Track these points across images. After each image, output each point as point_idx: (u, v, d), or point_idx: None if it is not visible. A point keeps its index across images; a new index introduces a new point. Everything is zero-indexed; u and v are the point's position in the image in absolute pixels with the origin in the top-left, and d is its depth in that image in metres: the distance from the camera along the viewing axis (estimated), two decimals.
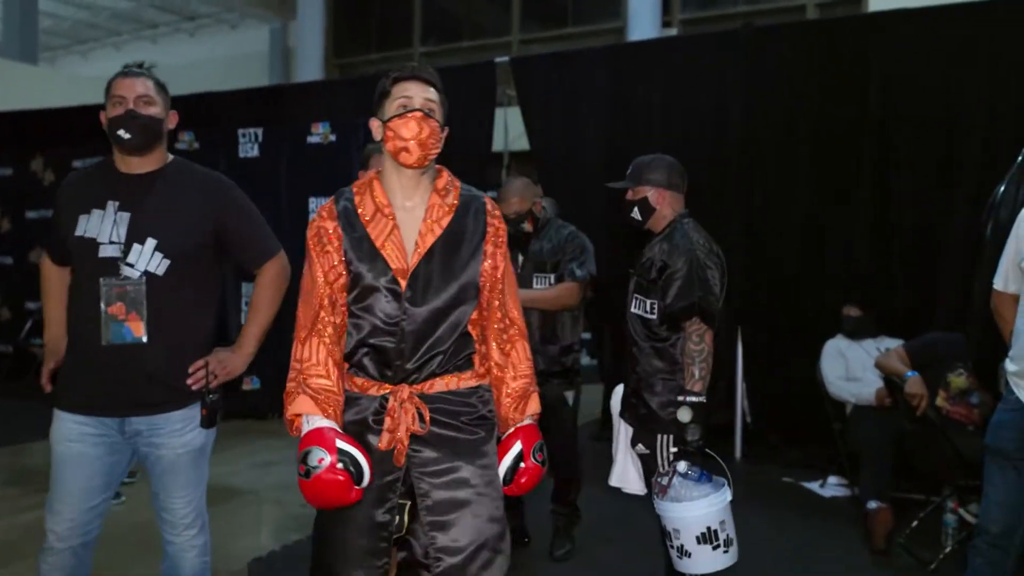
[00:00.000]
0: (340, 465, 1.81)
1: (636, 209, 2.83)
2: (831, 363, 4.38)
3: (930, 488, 3.90)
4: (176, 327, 2.27)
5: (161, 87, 2.38)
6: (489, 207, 2.05)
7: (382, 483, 1.92)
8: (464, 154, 5.83)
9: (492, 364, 2.04)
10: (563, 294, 3.43)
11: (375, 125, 1.98)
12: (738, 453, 5.17)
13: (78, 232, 2.26)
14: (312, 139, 6.35)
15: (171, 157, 2.40)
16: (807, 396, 4.65)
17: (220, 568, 3.41)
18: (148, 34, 16.57)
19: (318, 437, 1.84)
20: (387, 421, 1.92)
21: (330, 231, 1.97)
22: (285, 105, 6.80)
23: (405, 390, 1.93)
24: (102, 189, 2.30)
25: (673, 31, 10.51)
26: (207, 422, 2.34)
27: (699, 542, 2.51)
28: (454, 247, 1.96)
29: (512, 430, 2.05)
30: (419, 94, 1.94)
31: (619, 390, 3.01)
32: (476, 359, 2.03)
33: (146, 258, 2.24)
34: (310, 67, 12.44)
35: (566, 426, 3.58)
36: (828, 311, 4.65)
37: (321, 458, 1.80)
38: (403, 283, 1.92)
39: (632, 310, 2.83)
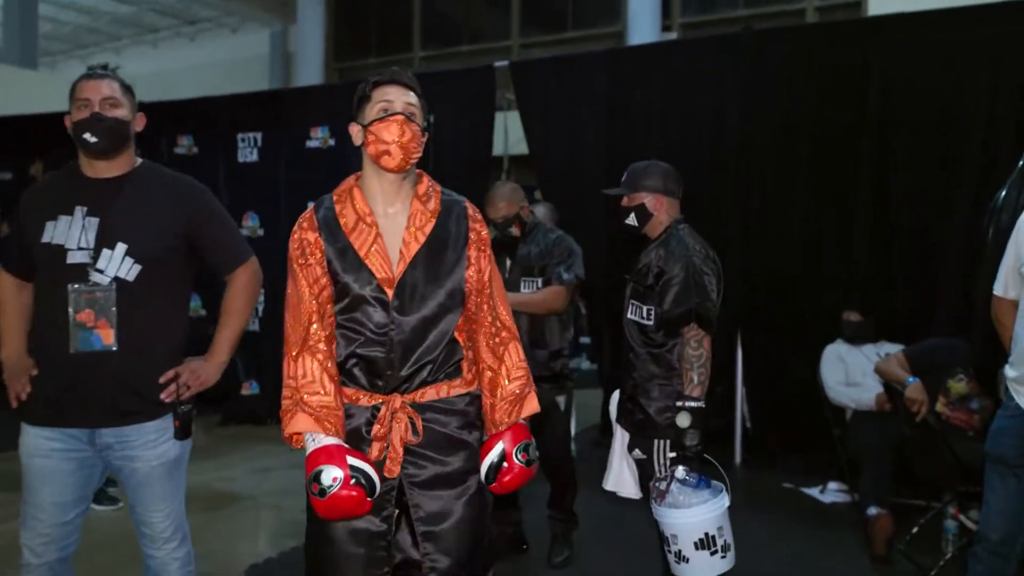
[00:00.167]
0: (353, 481, 1.81)
1: (632, 215, 2.83)
2: (831, 368, 4.37)
3: (931, 494, 3.88)
4: (147, 334, 2.22)
5: (127, 89, 2.31)
6: (470, 212, 2.04)
7: (378, 493, 1.90)
8: (464, 158, 5.86)
9: (485, 367, 2.03)
10: (550, 298, 3.41)
11: (355, 130, 1.96)
12: (738, 459, 5.15)
13: (45, 239, 2.20)
14: (311, 143, 6.35)
15: (139, 160, 2.34)
16: (807, 401, 4.63)
17: (217, 575, 3.40)
18: (149, 38, 16.58)
19: (327, 456, 1.83)
20: (375, 429, 1.91)
21: (312, 242, 1.94)
22: (284, 109, 6.79)
23: (397, 399, 1.92)
24: (69, 194, 2.24)
25: (673, 35, 10.49)
26: (181, 433, 2.28)
27: (697, 548, 2.51)
28: (438, 254, 1.95)
29: (498, 431, 2.00)
30: (399, 98, 1.92)
31: (617, 395, 3.01)
32: (464, 365, 2.02)
33: (116, 263, 2.19)
34: (310, 71, 12.44)
35: (558, 431, 3.57)
36: (827, 315, 4.64)
37: (335, 477, 1.79)
38: (390, 293, 1.90)
39: (628, 316, 2.84)
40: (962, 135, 4.54)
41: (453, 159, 5.82)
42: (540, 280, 3.46)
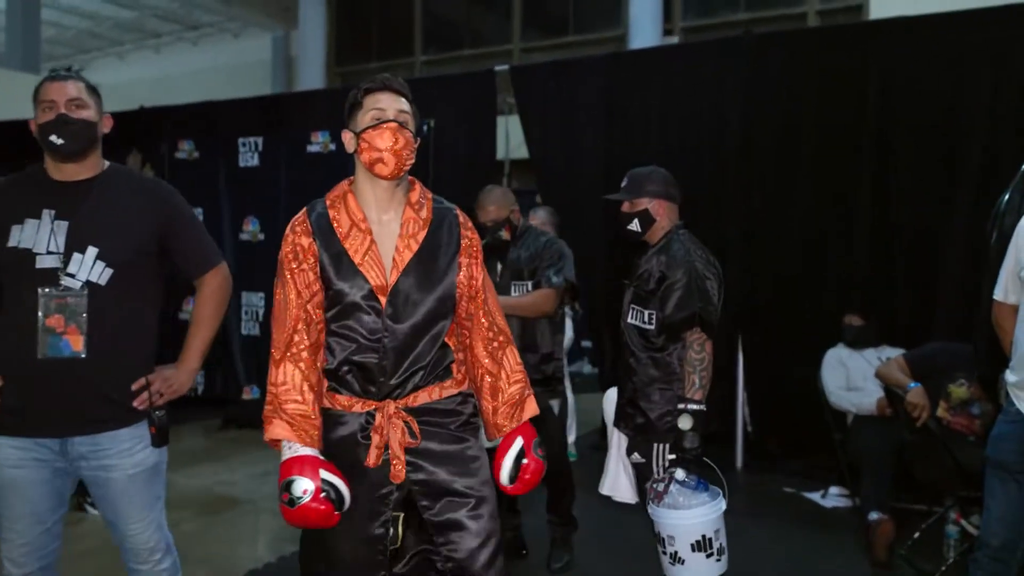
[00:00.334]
0: (323, 495, 1.82)
1: (636, 221, 2.84)
2: (832, 372, 4.36)
3: (932, 499, 3.87)
4: (118, 340, 2.17)
5: (92, 89, 2.24)
6: (461, 219, 2.06)
7: (374, 497, 1.93)
8: (466, 162, 5.86)
9: (484, 372, 2.05)
10: (539, 300, 3.40)
11: (348, 137, 1.97)
12: (739, 463, 5.14)
13: (11, 243, 2.13)
14: (312, 148, 6.36)
15: (107, 163, 2.28)
16: (808, 405, 4.62)
17: None
18: (151, 43, 16.62)
19: (300, 466, 1.84)
20: (374, 438, 1.92)
21: (305, 247, 1.94)
22: (285, 114, 6.80)
23: (391, 405, 1.93)
24: (36, 197, 2.18)
25: (674, 39, 10.49)
26: (158, 440, 2.23)
27: (693, 550, 2.52)
28: (430, 261, 1.97)
29: (511, 429, 2.05)
30: (392, 105, 1.93)
31: (611, 393, 3.02)
32: (454, 367, 2.03)
33: (87, 268, 2.13)
34: (312, 76, 12.46)
35: (553, 435, 3.55)
36: (828, 318, 4.64)
37: (306, 489, 1.81)
38: (383, 300, 1.91)
39: (628, 320, 2.85)
40: (963, 137, 4.53)
41: (453, 163, 5.83)
42: (530, 283, 3.46)
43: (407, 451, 1.93)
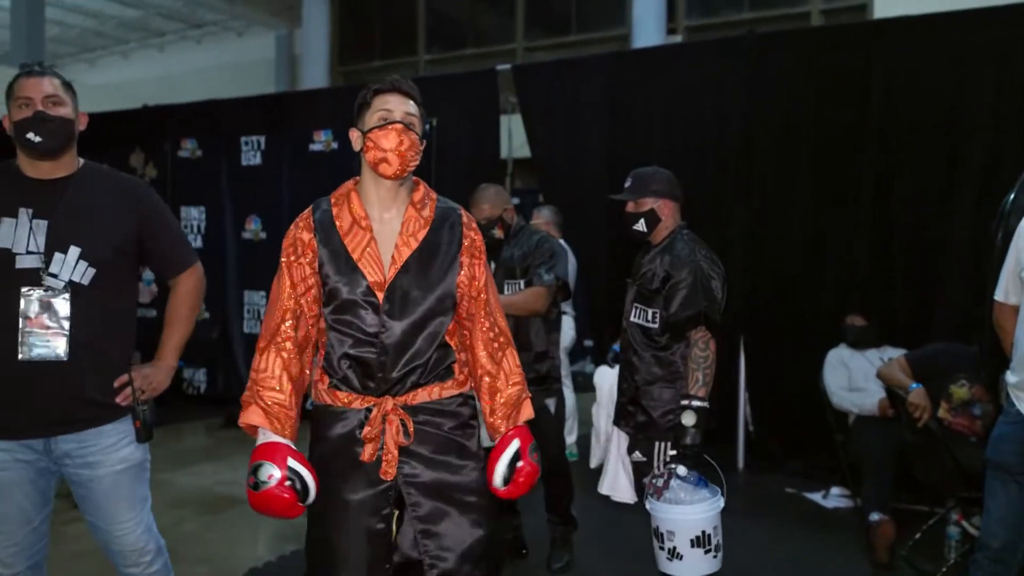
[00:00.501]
0: (288, 483, 1.84)
1: (642, 220, 2.86)
2: (833, 373, 4.35)
3: (933, 500, 3.86)
4: (100, 340, 2.16)
5: (68, 86, 2.20)
6: (465, 219, 2.08)
7: (375, 493, 1.95)
8: (469, 161, 5.86)
9: (483, 373, 2.06)
10: (530, 299, 3.39)
11: (355, 135, 2.00)
12: (740, 463, 5.13)
13: None
14: (314, 147, 6.36)
15: (81, 161, 2.25)
16: (809, 405, 4.61)
17: None
18: (155, 42, 16.63)
19: (270, 452, 1.87)
20: (366, 430, 1.94)
21: (305, 242, 1.98)
22: (287, 113, 6.81)
23: (389, 402, 1.95)
24: (11, 196, 2.13)
25: (678, 38, 10.48)
26: (143, 436, 2.22)
27: (692, 545, 2.54)
28: (429, 259, 1.99)
29: (507, 432, 2.05)
30: (399, 107, 1.96)
31: (603, 369, 3.04)
32: (456, 367, 2.05)
33: (69, 267, 2.11)
34: (315, 74, 12.48)
35: (549, 435, 3.55)
36: (829, 317, 4.63)
37: (271, 475, 1.83)
38: (380, 296, 1.93)
39: (632, 319, 2.86)
40: (965, 137, 4.52)
41: (456, 162, 5.83)
42: (522, 282, 3.46)
43: (401, 450, 1.95)
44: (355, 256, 1.95)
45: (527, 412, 2.10)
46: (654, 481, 2.65)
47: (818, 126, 4.88)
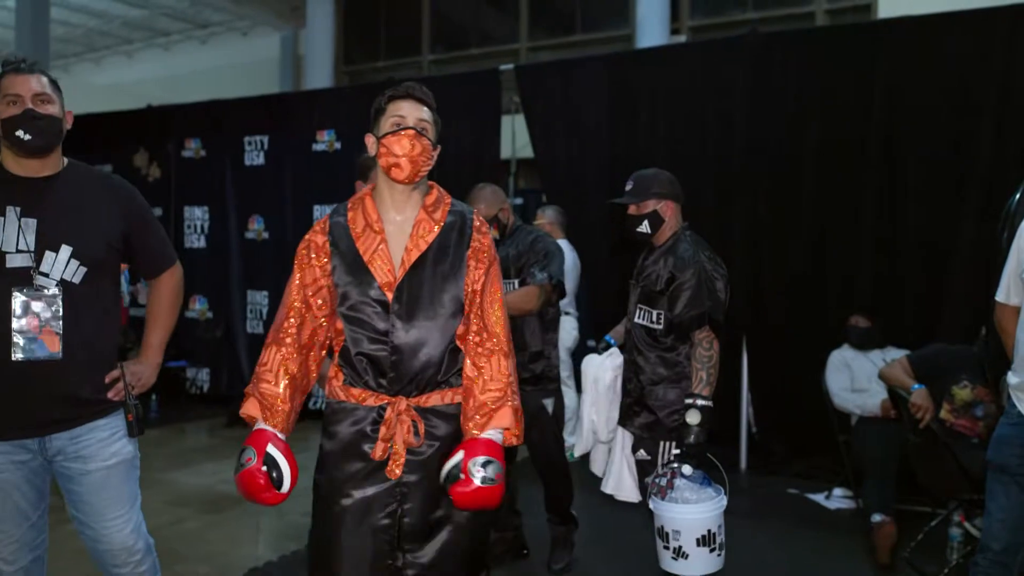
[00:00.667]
0: (264, 468, 1.90)
1: (646, 222, 2.87)
2: (836, 374, 4.34)
3: (935, 501, 3.85)
4: (92, 338, 2.16)
5: (55, 84, 2.18)
6: (476, 223, 2.12)
7: (382, 490, 1.98)
8: (471, 162, 5.85)
9: (464, 375, 2.04)
10: (522, 298, 3.36)
11: (370, 141, 2.06)
12: (743, 464, 5.12)
13: None
14: (318, 147, 6.37)
15: (66, 160, 2.23)
16: (812, 406, 4.61)
17: None
18: (160, 42, 16.65)
19: (256, 439, 1.95)
20: (382, 430, 1.97)
21: (319, 245, 2.04)
22: (291, 113, 6.82)
23: (403, 402, 1.98)
24: None
25: (682, 38, 10.45)
26: (135, 430, 2.23)
27: (699, 544, 2.55)
28: (439, 261, 2.02)
29: (465, 439, 1.96)
30: (412, 113, 2.02)
31: (591, 357, 3.05)
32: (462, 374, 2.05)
33: (61, 266, 2.10)
34: (320, 75, 12.48)
35: (547, 436, 3.54)
36: (833, 319, 4.63)
37: (249, 457, 1.91)
38: (390, 296, 1.97)
39: (636, 320, 2.87)
40: (970, 139, 4.51)
41: (459, 162, 5.82)
42: (516, 282, 3.45)
43: (408, 451, 1.97)
44: (366, 257, 1.99)
45: (503, 420, 1.97)
46: (657, 480, 2.65)
47: (822, 126, 4.88)
